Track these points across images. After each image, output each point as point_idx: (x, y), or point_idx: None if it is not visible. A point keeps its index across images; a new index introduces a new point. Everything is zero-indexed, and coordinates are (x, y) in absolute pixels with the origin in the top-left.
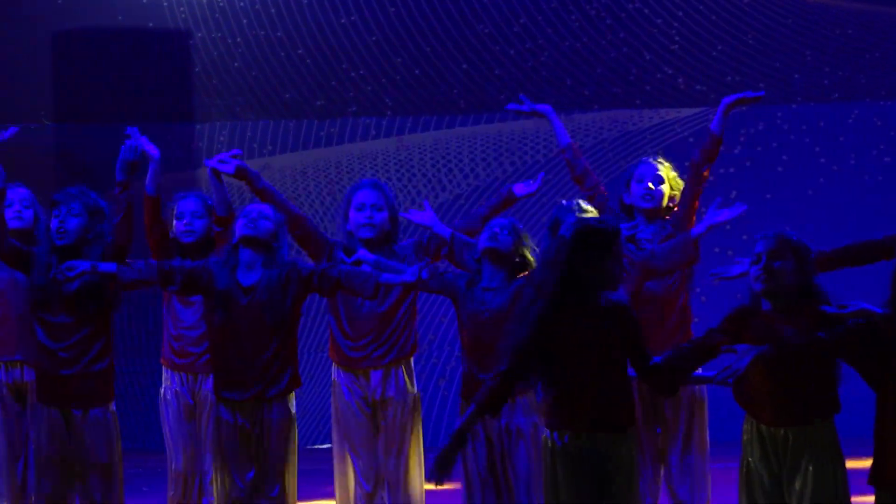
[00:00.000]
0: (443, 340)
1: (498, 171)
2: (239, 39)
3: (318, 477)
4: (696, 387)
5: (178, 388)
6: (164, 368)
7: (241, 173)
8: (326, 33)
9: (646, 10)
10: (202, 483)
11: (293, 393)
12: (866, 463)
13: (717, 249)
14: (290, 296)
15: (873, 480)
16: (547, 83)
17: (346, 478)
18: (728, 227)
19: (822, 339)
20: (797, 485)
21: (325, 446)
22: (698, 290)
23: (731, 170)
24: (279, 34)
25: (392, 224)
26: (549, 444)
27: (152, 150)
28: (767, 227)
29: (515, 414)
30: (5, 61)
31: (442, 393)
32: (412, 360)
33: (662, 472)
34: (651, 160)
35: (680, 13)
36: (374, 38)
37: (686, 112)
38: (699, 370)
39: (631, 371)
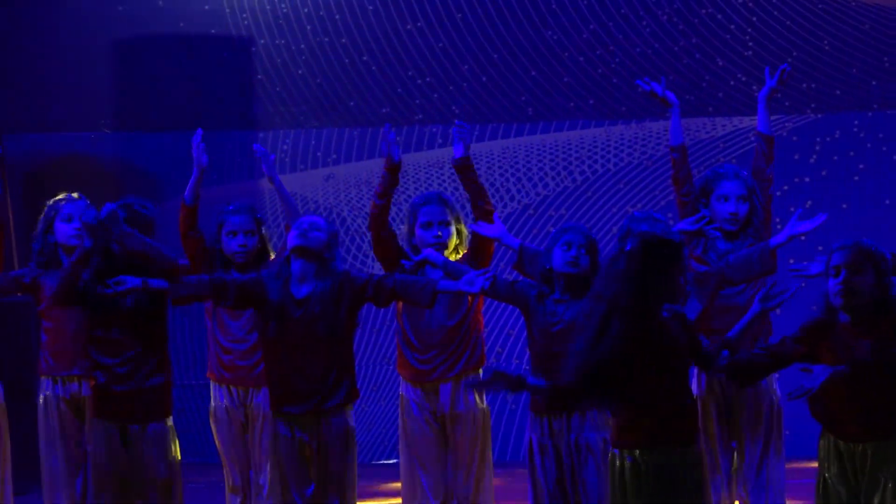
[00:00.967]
0: (511, 353)
1: (567, 180)
2: (303, 46)
3: (386, 493)
4: (774, 402)
5: (227, 404)
6: (211, 383)
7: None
8: (392, 40)
9: (719, 16)
10: (258, 497)
11: (351, 405)
12: None
13: (791, 260)
14: (344, 306)
15: None
16: (617, 90)
17: (415, 493)
18: (803, 237)
19: None
20: (876, 501)
21: (391, 461)
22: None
23: (807, 179)
24: (344, 41)
25: (459, 236)
26: (618, 461)
27: (203, 157)
28: (843, 237)
29: (585, 428)
30: (67, 69)
31: (510, 406)
32: (480, 372)
33: (738, 487)
34: (734, 175)
35: (754, 19)
36: (440, 45)
37: None
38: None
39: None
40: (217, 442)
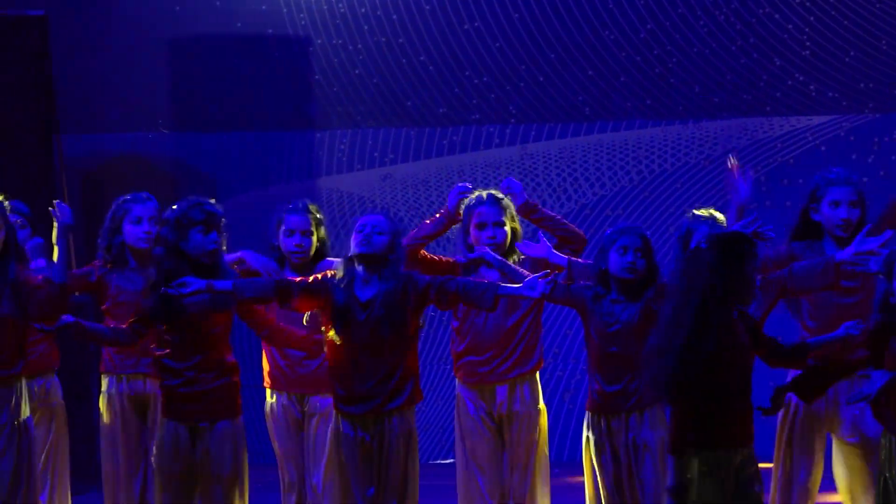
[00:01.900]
0: (568, 354)
1: (624, 179)
2: (360, 46)
3: (442, 493)
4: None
5: (284, 402)
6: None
7: None
8: (449, 40)
9: (776, 16)
10: (313, 496)
11: (414, 406)
12: None
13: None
14: (408, 309)
15: None
16: (674, 90)
17: (471, 494)
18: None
19: None
20: None
21: (447, 461)
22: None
23: (865, 179)
24: (401, 41)
25: (514, 236)
26: (679, 462)
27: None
28: None
29: (643, 427)
30: (123, 69)
31: (567, 406)
32: (538, 374)
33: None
34: (844, 180)
35: (811, 18)
36: (497, 45)
37: (818, 120)
38: None
39: None
40: (273, 440)
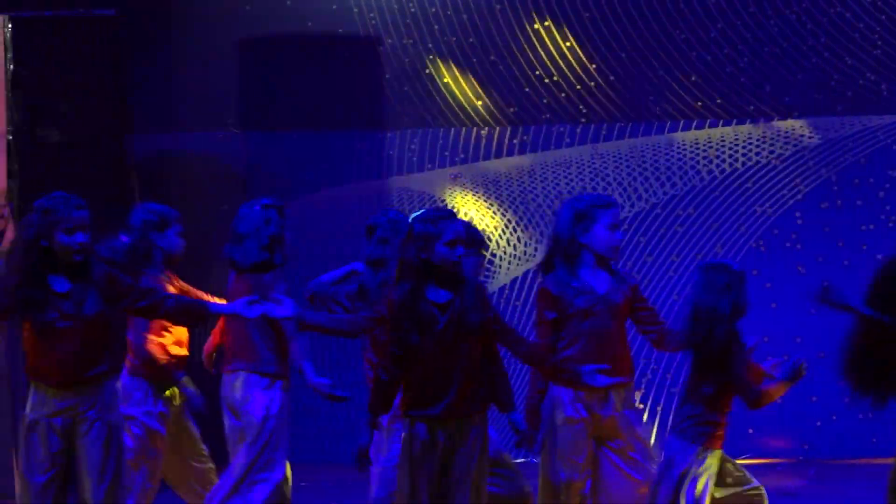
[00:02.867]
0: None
1: (695, 178)
2: (430, 45)
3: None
4: None
5: None
6: None
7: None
8: (519, 39)
9: (847, 15)
10: None
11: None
12: None
13: None
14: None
15: None
16: (745, 90)
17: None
18: None
19: None
20: None
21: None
22: None
23: None
24: (471, 40)
25: None
26: None
27: None
28: None
29: None
30: (193, 69)
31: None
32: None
33: None
34: None
35: (883, 17)
36: (567, 44)
37: (889, 119)
38: None
39: None
40: None
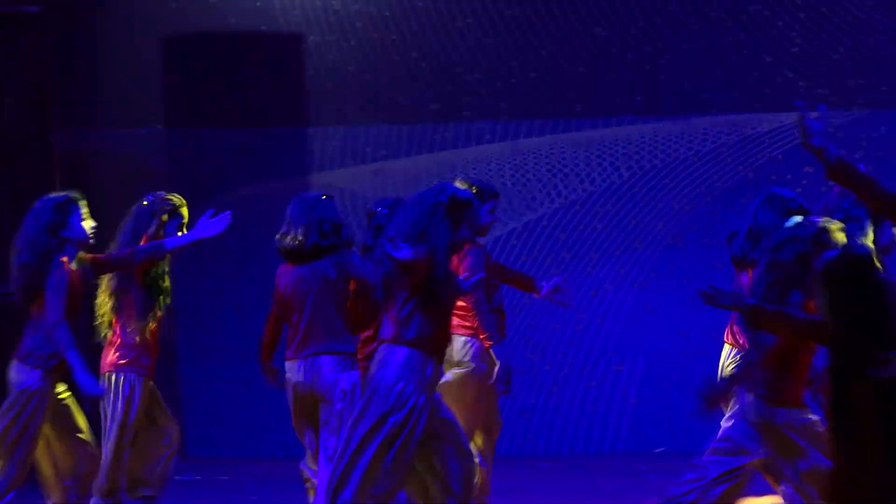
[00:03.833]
0: (556, 348)
1: (614, 176)
2: (353, 43)
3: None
4: None
5: None
6: None
7: None
8: (441, 36)
9: (766, 13)
10: None
11: None
12: None
13: None
14: None
15: None
16: (665, 87)
17: None
18: None
19: None
20: None
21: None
22: None
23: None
24: (393, 37)
25: None
26: None
27: None
28: None
29: None
30: (116, 65)
31: (554, 402)
32: None
33: None
34: None
35: (801, 15)
36: (489, 42)
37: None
38: None
39: None
40: None
